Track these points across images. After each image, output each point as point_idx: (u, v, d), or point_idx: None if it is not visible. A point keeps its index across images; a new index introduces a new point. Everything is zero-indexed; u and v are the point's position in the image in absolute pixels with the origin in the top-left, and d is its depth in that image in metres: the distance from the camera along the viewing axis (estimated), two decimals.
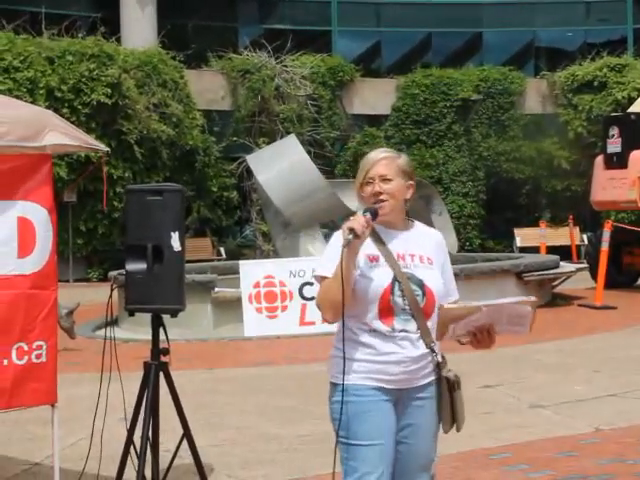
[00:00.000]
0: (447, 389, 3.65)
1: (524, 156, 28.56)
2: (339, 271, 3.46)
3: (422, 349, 3.62)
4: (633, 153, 17.93)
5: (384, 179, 3.67)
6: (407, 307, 3.61)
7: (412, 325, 3.62)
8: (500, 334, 3.60)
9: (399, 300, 3.61)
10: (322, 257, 3.71)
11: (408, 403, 3.67)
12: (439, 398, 3.67)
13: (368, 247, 3.64)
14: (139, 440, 4.69)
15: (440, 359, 3.67)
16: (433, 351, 3.65)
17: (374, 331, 3.62)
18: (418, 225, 3.83)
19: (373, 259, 3.64)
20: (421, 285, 3.64)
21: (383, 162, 3.70)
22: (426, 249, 3.74)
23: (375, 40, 32.53)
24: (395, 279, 3.61)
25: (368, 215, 3.56)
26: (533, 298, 3.54)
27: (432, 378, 3.68)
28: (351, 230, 3.47)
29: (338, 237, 3.59)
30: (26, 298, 4.91)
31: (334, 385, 3.68)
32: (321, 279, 3.62)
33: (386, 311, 3.61)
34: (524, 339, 11.37)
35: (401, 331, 3.61)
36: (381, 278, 3.62)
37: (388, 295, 3.61)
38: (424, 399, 3.68)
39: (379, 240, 3.68)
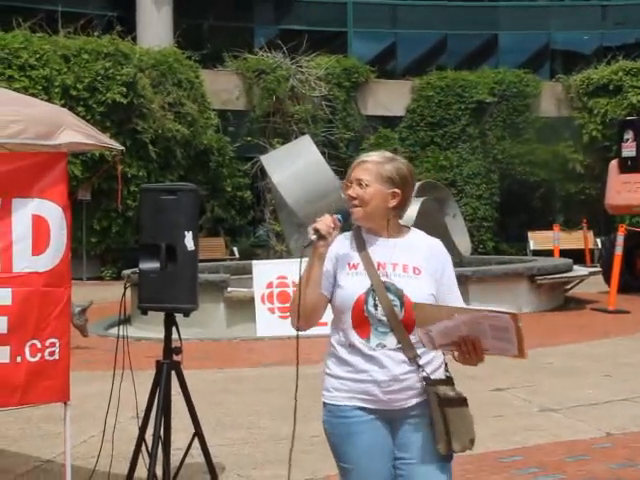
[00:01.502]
0: (437, 404, 3.37)
1: (538, 159, 28.51)
2: (303, 274, 3.38)
3: (406, 367, 3.39)
4: None
5: (359, 183, 3.46)
6: (384, 318, 3.37)
7: (391, 339, 3.38)
8: (489, 352, 3.26)
9: (373, 310, 3.38)
10: None
11: (402, 422, 3.46)
12: (430, 415, 3.40)
13: (350, 255, 3.48)
14: (150, 438, 4.70)
15: (426, 374, 3.39)
16: (419, 366, 3.39)
17: (352, 346, 3.42)
18: (414, 233, 3.57)
19: (353, 267, 3.45)
20: (400, 295, 3.38)
21: (364, 166, 3.48)
22: (415, 258, 3.47)
23: (390, 41, 32.54)
24: (371, 288, 3.39)
25: (337, 217, 3.41)
26: (514, 311, 3.17)
27: (424, 397, 3.42)
28: (316, 231, 3.35)
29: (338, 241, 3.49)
30: (40, 295, 4.91)
31: (323, 404, 3.57)
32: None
33: (360, 322, 3.40)
34: (535, 342, 11.38)
35: (378, 345, 3.38)
36: (356, 287, 3.41)
37: (362, 305, 3.39)
38: (417, 417, 3.44)
39: (362, 247, 3.48)
